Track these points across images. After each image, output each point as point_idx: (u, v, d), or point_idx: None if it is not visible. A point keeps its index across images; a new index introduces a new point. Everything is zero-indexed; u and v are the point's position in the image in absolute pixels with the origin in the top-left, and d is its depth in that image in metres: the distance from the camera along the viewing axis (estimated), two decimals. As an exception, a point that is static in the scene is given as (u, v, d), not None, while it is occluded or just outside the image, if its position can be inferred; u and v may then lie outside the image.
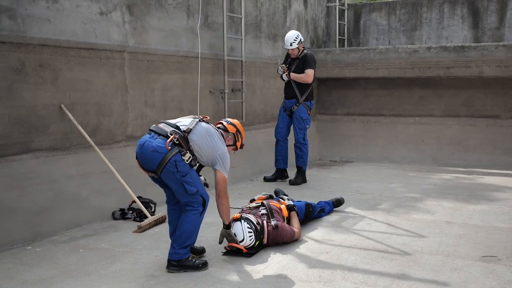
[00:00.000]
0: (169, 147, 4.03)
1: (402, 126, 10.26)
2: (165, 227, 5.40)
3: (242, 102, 8.38)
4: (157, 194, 6.31)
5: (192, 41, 7.33)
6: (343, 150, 10.51)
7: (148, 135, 4.18)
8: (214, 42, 7.77)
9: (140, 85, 6.50)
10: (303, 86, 7.58)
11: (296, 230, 4.95)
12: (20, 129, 5.14)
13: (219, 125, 4.55)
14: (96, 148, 5.61)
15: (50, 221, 5.17)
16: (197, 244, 4.83)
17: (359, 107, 10.73)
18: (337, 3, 11.42)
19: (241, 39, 8.22)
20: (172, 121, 4.30)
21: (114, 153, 6.07)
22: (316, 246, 4.82)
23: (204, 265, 4.25)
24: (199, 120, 4.34)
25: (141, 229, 5.24)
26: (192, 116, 4.44)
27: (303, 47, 7.67)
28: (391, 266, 4.26)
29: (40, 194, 5.19)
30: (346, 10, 11.84)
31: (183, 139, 4.13)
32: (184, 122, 4.29)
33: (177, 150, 4.08)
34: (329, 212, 5.92)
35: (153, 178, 4.32)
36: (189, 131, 4.19)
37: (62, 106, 5.49)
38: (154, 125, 4.30)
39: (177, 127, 4.19)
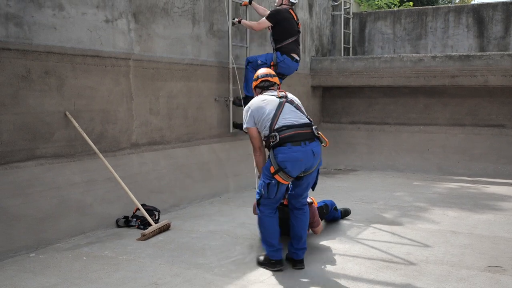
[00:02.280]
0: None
1: (407, 135, 10.24)
2: (169, 235, 5.40)
3: (247, 110, 8.37)
4: (161, 202, 6.33)
5: (198, 49, 7.35)
6: (347, 158, 10.50)
7: (298, 147, 4.23)
8: (219, 50, 7.79)
9: (145, 92, 6.52)
10: (277, 38, 7.65)
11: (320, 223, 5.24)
12: (25, 136, 5.15)
13: (280, 92, 4.61)
14: (101, 156, 5.62)
15: (54, 228, 5.16)
16: (201, 252, 4.83)
17: (363, 115, 10.72)
18: (342, 12, 11.45)
19: (246, 47, 8.23)
20: (296, 120, 4.35)
21: (119, 161, 6.07)
22: (320, 255, 4.80)
23: None
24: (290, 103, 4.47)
25: (145, 237, 5.23)
26: (295, 110, 4.45)
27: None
28: (395, 276, 4.24)
29: (44, 201, 5.19)
30: (351, 19, 11.85)
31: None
32: (300, 116, 4.40)
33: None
34: (337, 219, 5.93)
35: (275, 186, 4.33)
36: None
37: (67, 113, 5.50)
38: (291, 132, 4.27)
39: (311, 122, 4.42)
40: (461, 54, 9.40)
